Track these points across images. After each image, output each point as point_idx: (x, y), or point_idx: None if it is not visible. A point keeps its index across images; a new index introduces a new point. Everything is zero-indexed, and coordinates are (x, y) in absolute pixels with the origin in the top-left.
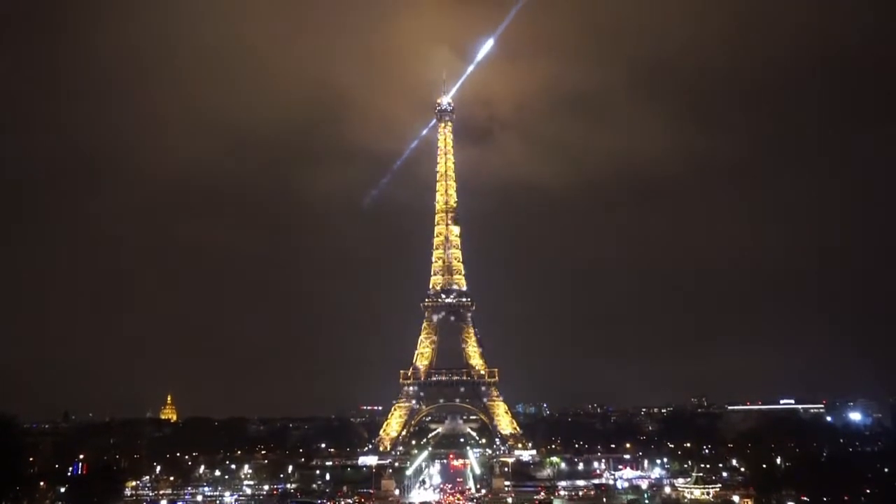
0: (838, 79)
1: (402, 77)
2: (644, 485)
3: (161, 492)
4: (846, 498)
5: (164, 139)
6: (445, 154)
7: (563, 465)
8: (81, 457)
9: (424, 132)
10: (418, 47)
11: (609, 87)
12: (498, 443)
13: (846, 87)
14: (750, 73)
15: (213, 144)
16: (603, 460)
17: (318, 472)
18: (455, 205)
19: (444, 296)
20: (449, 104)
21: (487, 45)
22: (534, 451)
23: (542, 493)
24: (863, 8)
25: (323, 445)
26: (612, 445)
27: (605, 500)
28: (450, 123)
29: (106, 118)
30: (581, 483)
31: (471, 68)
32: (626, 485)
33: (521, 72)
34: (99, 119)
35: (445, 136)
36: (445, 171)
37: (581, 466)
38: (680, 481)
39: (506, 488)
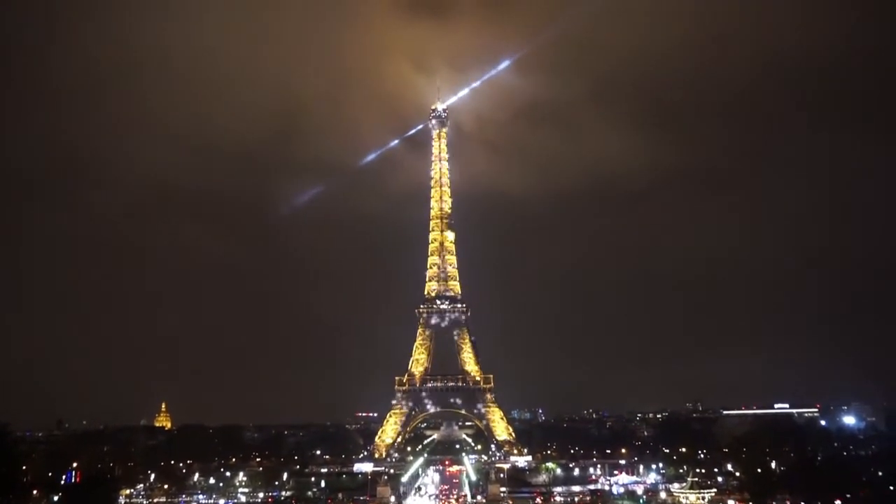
0: (802, 86)
1: (365, 89)
2: (640, 490)
3: (155, 500)
4: (841, 501)
5: (140, 146)
6: (440, 160)
7: (558, 470)
8: (75, 465)
9: (393, 143)
10: (380, 61)
11: (570, 97)
12: (493, 449)
13: (810, 94)
14: (714, 83)
15: (185, 153)
16: (599, 466)
17: (313, 479)
18: (450, 211)
19: (439, 302)
20: (444, 111)
21: (502, 64)
22: (529, 457)
23: (539, 499)
24: (827, 14)
25: (318, 452)
26: (608, 451)
27: None
28: (444, 130)
29: (87, 124)
30: (577, 488)
31: (477, 83)
32: (621, 490)
33: (474, 82)
34: (83, 123)
35: (440, 143)
36: (440, 178)
37: (577, 472)
38: (675, 486)
39: (501, 494)
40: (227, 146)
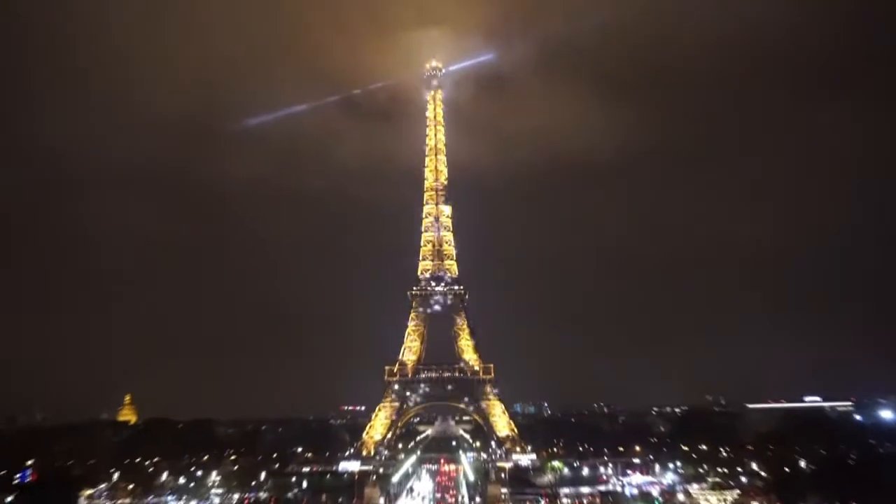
0: (781, 56)
1: (304, 59)
2: (655, 491)
3: (119, 501)
4: None
5: (73, 123)
6: (435, 125)
7: (565, 470)
8: (30, 463)
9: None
10: (320, 29)
11: (520, 66)
12: (494, 446)
13: (791, 64)
14: (683, 53)
15: (121, 128)
16: (610, 465)
17: (293, 479)
18: (446, 182)
19: (434, 283)
20: (437, 68)
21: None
22: (533, 455)
23: (543, 501)
24: None
25: (299, 450)
26: (620, 448)
27: None
28: (440, 91)
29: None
30: (586, 490)
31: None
32: (635, 492)
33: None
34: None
35: (435, 106)
36: (435, 145)
37: (585, 472)
38: (694, 487)
39: (502, 496)
40: (166, 119)
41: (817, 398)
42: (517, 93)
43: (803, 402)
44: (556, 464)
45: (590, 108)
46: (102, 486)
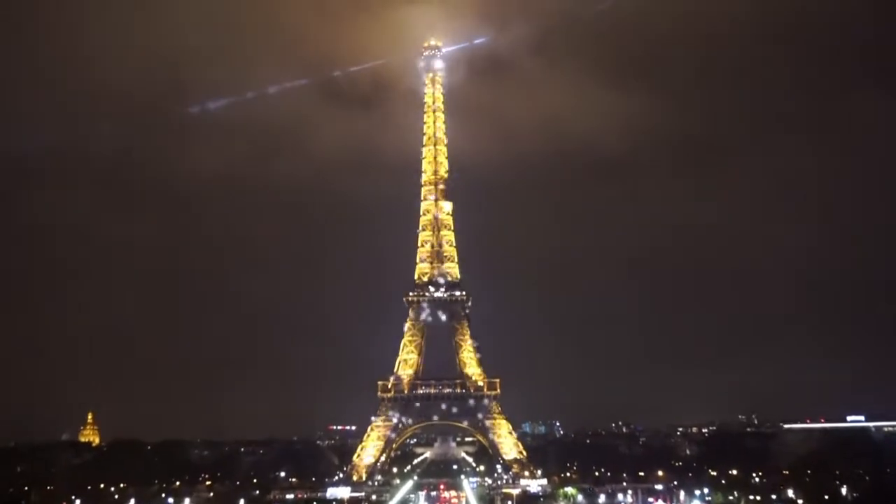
0: (796, 47)
1: (279, 38)
2: None
3: None
4: None
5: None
6: (434, 112)
7: (580, 497)
8: None
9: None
10: (297, 5)
11: (519, 48)
12: (500, 470)
13: (804, 55)
14: (695, 37)
15: (72, 117)
16: (630, 492)
17: None
18: (446, 175)
19: (432, 288)
20: (436, 46)
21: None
22: (544, 481)
23: None
24: None
25: (282, 474)
26: (641, 473)
27: None
28: (439, 73)
29: None
30: None
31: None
32: None
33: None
34: None
35: (434, 89)
36: (434, 134)
37: (602, 499)
38: None
39: None
40: (126, 106)
41: (861, 417)
42: (518, 78)
43: (846, 421)
44: (569, 490)
45: (596, 94)
46: None
